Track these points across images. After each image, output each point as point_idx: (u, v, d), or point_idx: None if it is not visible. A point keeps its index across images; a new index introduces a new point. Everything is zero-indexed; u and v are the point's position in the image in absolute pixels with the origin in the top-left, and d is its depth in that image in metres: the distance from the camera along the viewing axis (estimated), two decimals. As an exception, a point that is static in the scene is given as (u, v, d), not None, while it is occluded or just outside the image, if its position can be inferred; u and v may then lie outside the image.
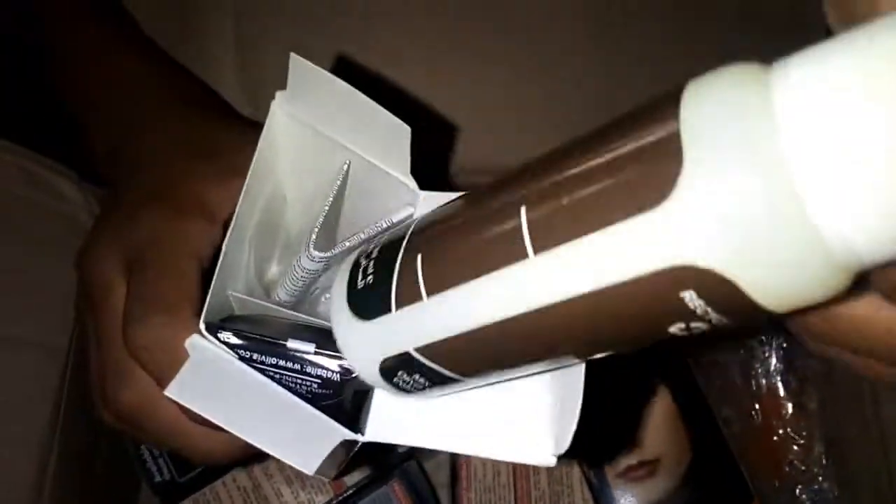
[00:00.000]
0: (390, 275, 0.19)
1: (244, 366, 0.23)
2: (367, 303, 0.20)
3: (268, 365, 0.23)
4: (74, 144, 0.36)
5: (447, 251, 0.18)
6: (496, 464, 0.41)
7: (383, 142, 0.23)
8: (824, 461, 0.37)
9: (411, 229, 0.20)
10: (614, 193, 0.14)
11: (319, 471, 0.22)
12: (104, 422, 0.27)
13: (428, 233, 0.19)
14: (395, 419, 0.23)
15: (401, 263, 0.19)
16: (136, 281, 0.25)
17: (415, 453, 0.42)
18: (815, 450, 0.37)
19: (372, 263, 0.20)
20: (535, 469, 0.40)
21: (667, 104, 0.14)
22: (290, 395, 0.23)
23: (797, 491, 0.37)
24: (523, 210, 0.16)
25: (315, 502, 0.40)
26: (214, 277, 0.23)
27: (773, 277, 0.13)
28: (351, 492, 0.40)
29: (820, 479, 0.36)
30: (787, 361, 0.38)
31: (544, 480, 0.40)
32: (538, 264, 0.16)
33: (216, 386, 0.22)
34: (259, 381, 0.23)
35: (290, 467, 0.40)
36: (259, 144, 0.24)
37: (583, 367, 0.20)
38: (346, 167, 0.25)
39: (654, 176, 0.14)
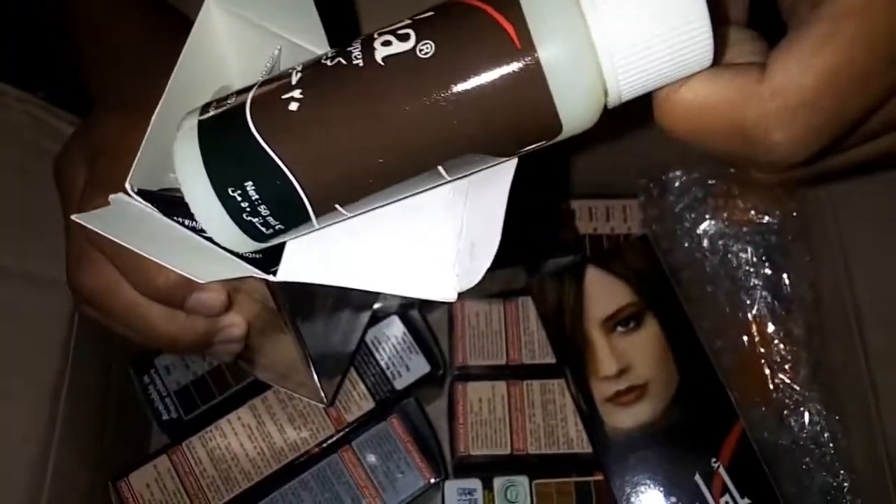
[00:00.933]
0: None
1: (163, 216, 0.24)
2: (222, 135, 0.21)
3: (187, 227, 0.24)
4: (78, 91, 0.38)
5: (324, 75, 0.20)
6: (492, 399, 0.42)
7: (312, 25, 0.25)
8: (810, 386, 0.37)
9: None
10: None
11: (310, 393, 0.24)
12: (82, 313, 0.29)
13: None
14: (305, 262, 0.24)
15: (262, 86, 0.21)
16: (92, 170, 0.27)
17: (413, 391, 0.43)
18: (801, 375, 0.37)
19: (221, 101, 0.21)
20: (531, 402, 0.42)
21: None
22: (203, 240, 0.24)
23: (784, 415, 0.37)
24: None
25: (317, 438, 0.41)
26: (142, 147, 0.24)
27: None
28: (351, 428, 0.42)
29: (806, 403, 0.37)
30: (775, 290, 0.39)
31: (539, 415, 0.41)
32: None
33: (132, 225, 0.24)
34: (176, 227, 0.24)
35: (294, 406, 0.42)
36: (192, 33, 0.25)
37: (501, 208, 0.21)
38: (276, 52, 0.26)
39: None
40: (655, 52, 0.18)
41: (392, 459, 0.41)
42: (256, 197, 0.20)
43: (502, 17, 0.18)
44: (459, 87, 0.18)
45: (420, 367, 0.43)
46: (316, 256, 0.23)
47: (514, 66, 0.18)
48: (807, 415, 0.37)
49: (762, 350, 0.38)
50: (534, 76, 0.18)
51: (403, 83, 0.19)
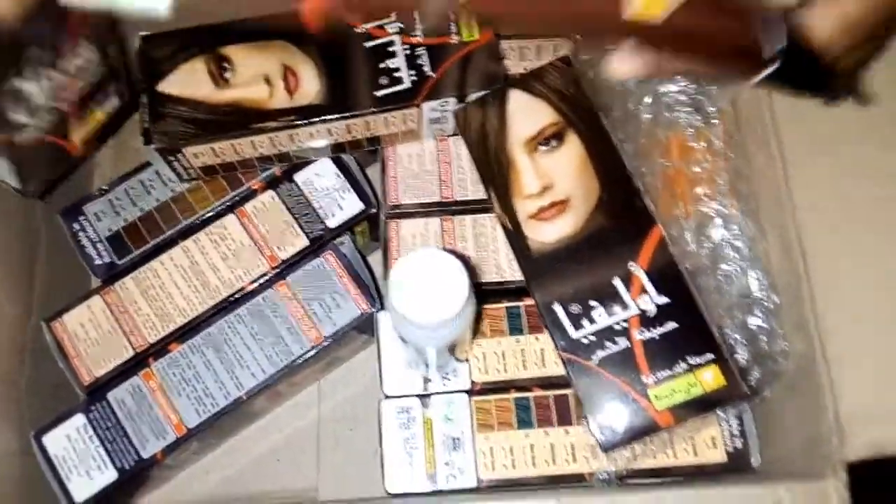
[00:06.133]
0: None
1: None
2: None
3: None
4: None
5: None
6: (425, 234, 0.42)
7: None
8: (729, 194, 0.38)
9: None
10: None
11: None
12: None
13: None
14: None
15: None
16: None
17: (347, 231, 0.43)
18: (719, 185, 0.38)
19: None
20: (463, 236, 0.42)
21: None
22: None
23: (704, 225, 0.38)
24: None
25: (251, 275, 0.42)
26: None
27: None
28: (286, 265, 0.42)
29: (725, 211, 0.38)
30: (696, 105, 0.39)
31: (472, 248, 0.42)
32: None
33: None
34: None
35: (227, 246, 0.42)
36: None
37: None
38: None
39: None
40: None
41: (327, 292, 0.42)
42: None
43: None
44: None
45: (353, 205, 0.43)
46: None
47: None
48: (725, 222, 0.38)
49: (682, 165, 0.38)
50: None
51: None
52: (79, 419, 0.40)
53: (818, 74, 0.25)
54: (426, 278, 0.30)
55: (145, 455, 0.39)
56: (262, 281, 0.42)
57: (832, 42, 0.26)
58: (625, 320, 0.35)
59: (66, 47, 0.38)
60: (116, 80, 0.43)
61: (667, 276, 0.35)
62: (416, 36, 0.41)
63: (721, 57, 0.25)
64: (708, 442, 0.37)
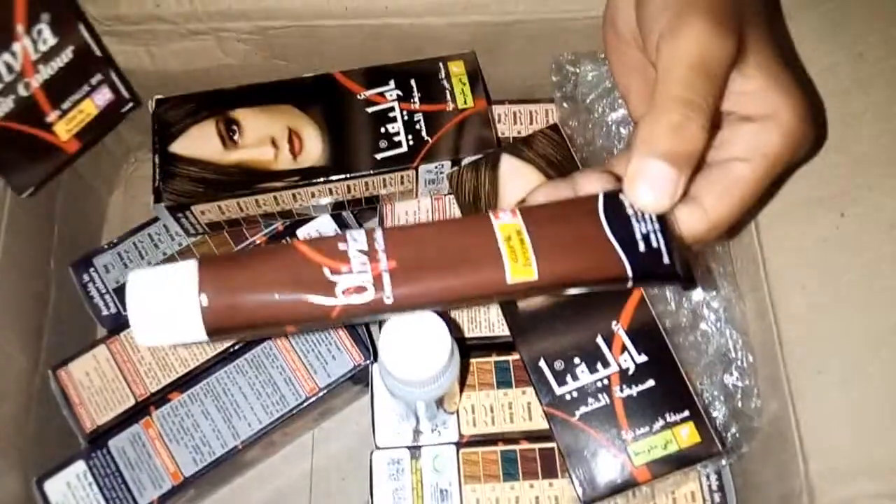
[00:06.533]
0: None
1: None
2: None
3: None
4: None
5: None
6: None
7: None
8: (708, 257, 0.40)
9: None
10: None
11: None
12: None
13: None
14: None
15: None
16: None
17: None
18: (700, 245, 0.40)
19: None
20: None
21: None
22: None
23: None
24: None
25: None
26: None
27: None
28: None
29: (703, 274, 0.40)
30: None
31: (463, 302, 0.44)
32: None
33: None
34: None
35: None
36: None
37: None
38: None
39: None
40: None
41: (323, 344, 0.43)
42: None
43: None
44: None
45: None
46: None
47: None
48: (703, 285, 0.39)
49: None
50: None
51: None
52: (79, 466, 0.41)
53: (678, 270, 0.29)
54: (412, 338, 0.32)
55: (142, 503, 0.40)
56: (261, 333, 0.43)
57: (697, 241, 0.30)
58: (606, 377, 0.36)
59: (15, 28, 0.39)
60: (102, 71, 0.44)
61: (646, 335, 0.37)
62: (413, 103, 0.43)
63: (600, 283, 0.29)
64: (688, 496, 0.39)
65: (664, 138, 0.27)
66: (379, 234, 0.27)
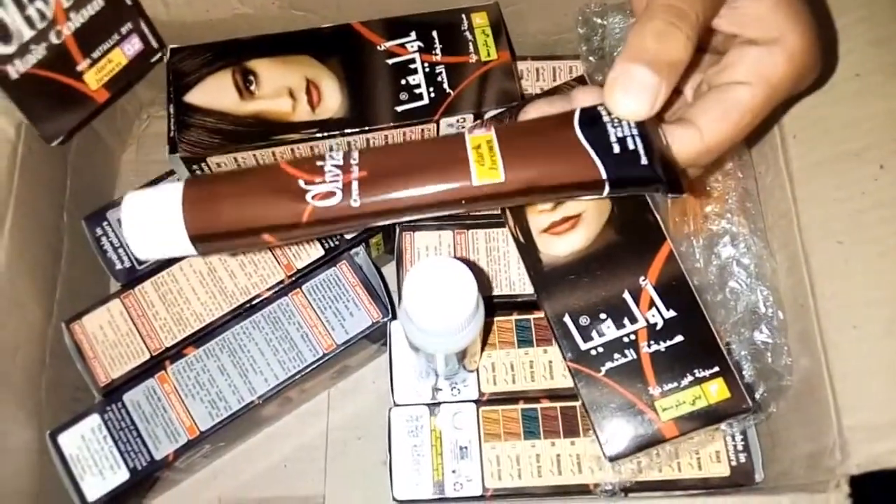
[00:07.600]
0: None
1: None
2: None
3: None
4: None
5: None
6: (438, 246, 0.43)
7: None
8: (738, 213, 0.39)
9: None
10: None
11: None
12: None
13: None
14: None
15: None
16: None
17: (362, 242, 0.44)
18: (729, 203, 0.39)
19: None
20: (476, 248, 0.43)
21: None
22: None
23: (713, 242, 0.39)
24: None
25: (268, 283, 0.43)
26: None
27: None
28: (301, 273, 0.43)
29: (734, 226, 0.39)
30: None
31: (483, 260, 0.43)
32: None
33: None
34: None
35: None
36: None
37: None
38: None
39: None
40: None
41: (341, 301, 0.42)
42: None
43: None
44: None
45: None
46: None
47: None
48: (733, 240, 0.38)
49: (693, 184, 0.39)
50: None
51: None
52: (94, 419, 0.40)
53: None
54: (438, 286, 0.31)
55: (157, 456, 0.40)
56: (278, 289, 0.43)
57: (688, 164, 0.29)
58: (633, 333, 0.35)
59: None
60: (133, 20, 0.44)
61: (675, 290, 0.36)
62: (435, 55, 0.42)
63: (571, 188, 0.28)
64: (712, 456, 0.38)
65: (647, 44, 0.26)
66: (356, 153, 0.28)
